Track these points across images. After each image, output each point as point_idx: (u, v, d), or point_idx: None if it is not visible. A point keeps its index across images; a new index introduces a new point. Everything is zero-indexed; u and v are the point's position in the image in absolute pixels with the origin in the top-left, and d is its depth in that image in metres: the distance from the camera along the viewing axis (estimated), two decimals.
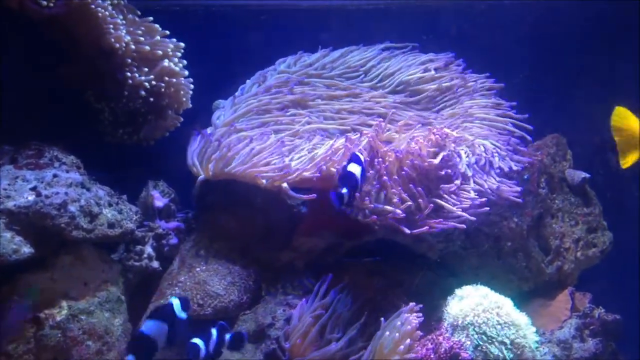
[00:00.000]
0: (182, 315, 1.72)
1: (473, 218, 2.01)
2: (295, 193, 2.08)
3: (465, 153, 2.14)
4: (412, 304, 1.98)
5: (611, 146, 2.20)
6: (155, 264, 2.26)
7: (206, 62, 2.64)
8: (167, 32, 2.32)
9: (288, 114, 2.42)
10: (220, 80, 2.61)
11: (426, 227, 1.99)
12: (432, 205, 2.01)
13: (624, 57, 2.94)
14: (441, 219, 2.01)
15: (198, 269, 2.20)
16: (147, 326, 1.67)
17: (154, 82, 2.22)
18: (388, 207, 1.98)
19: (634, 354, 2.46)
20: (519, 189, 2.17)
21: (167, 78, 2.27)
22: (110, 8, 2.15)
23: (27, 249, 1.89)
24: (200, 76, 2.43)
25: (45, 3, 2.02)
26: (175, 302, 1.72)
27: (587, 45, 2.89)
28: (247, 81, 2.57)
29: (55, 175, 2.03)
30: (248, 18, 2.79)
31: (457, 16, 2.86)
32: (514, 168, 2.21)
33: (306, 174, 2.06)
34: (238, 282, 2.20)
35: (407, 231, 1.98)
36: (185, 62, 2.34)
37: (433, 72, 2.58)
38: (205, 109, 2.54)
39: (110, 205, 2.10)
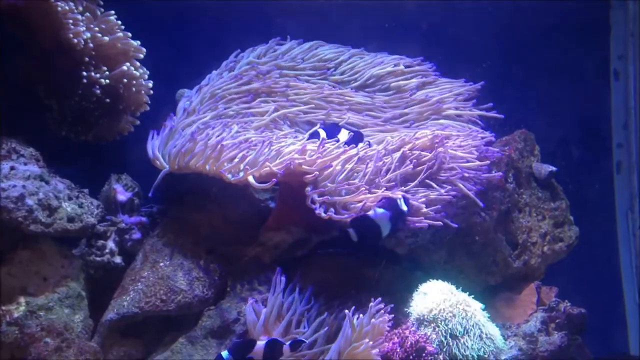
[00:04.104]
0: (404, 208, 1.93)
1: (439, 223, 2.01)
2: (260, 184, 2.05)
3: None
4: (378, 299, 1.96)
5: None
6: (118, 259, 2.21)
7: (171, 52, 2.61)
8: (130, 34, 2.28)
9: (255, 104, 2.39)
10: (185, 70, 2.59)
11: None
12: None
13: (590, 51, 2.98)
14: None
15: (162, 264, 2.16)
16: (375, 213, 1.89)
17: (108, 81, 2.18)
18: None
19: (599, 347, 2.49)
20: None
21: (126, 81, 2.24)
22: (71, 3, 2.10)
23: None
24: (165, 66, 2.39)
25: None
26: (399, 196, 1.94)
27: (552, 39, 2.92)
28: (214, 71, 2.53)
29: (12, 168, 1.99)
30: (215, 8, 2.75)
31: (422, 8, 2.86)
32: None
33: (274, 169, 2.03)
34: (203, 277, 2.17)
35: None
36: (146, 70, 2.31)
37: (402, 67, 2.57)
38: (169, 100, 2.51)
39: (70, 198, 2.06)
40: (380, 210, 1.91)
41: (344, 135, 2.17)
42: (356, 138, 2.19)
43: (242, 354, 1.84)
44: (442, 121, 2.39)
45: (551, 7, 2.88)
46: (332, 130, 2.18)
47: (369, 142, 2.21)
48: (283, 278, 2.07)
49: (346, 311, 1.90)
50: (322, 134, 2.16)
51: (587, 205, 2.82)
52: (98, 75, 2.16)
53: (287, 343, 1.88)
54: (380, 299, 1.95)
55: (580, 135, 3.02)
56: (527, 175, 2.50)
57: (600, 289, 2.96)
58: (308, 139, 2.17)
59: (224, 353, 1.84)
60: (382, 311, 1.93)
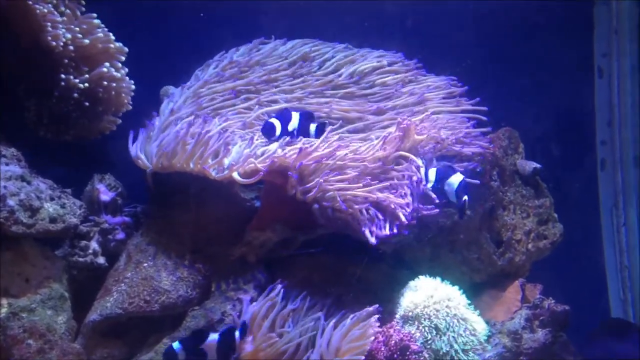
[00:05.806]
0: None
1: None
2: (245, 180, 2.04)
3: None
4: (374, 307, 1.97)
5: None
6: (101, 259, 2.19)
7: (156, 49, 2.59)
8: (111, 34, 2.25)
9: (239, 101, 2.38)
10: (170, 68, 2.57)
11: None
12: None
13: (574, 48, 2.99)
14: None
15: (145, 265, 2.14)
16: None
17: (87, 84, 2.17)
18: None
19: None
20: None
21: (105, 83, 2.22)
22: (50, 5, 2.08)
23: None
24: (150, 64, 2.37)
25: None
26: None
27: (536, 36, 2.93)
28: (197, 70, 2.52)
29: None
30: (198, 7, 2.74)
31: (401, 6, 2.86)
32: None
33: (259, 165, 2.02)
34: (187, 278, 2.15)
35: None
36: (126, 69, 2.29)
37: (385, 62, 2.57)
38: (154, 98, 2.49)
39: (52, 199, 2.04)
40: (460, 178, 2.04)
41: (296, 118, 2.15)
42: (306, 117, 2.18)
43: (193, 345, 1.83)
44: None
45: (535, 5, 2.89)
46: (285, 117, 2.15)
47: (326, 122, 2.22)
48: (279, 286, 2.08)
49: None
50: (277, 123, 2.13)
51: (571, 202, 2.83)
52: (77, 80, 2.14)
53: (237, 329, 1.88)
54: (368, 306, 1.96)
55: (564, 132, 3.03)
56: (512, 173, 2.50)
57: (584, 285, 2.98)
58: (263, 132, 2.14)
59: (175, 344, 1.84)
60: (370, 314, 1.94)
